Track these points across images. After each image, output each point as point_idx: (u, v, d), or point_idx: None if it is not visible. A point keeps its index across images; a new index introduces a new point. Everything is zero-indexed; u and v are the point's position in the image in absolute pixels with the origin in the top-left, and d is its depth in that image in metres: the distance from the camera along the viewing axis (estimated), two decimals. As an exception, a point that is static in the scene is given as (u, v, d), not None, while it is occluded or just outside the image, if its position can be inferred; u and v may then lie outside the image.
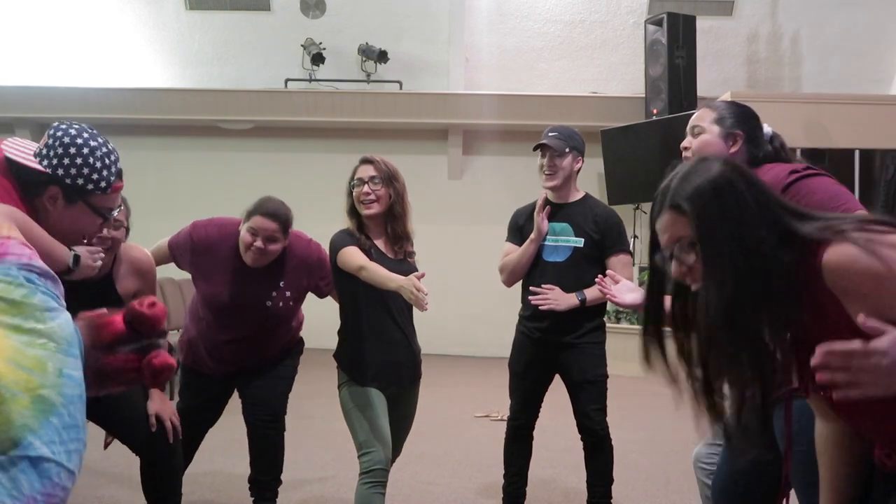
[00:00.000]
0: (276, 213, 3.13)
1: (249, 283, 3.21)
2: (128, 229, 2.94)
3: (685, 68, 8.84)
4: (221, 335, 3.28)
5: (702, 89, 8.92)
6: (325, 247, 3.12)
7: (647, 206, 9.40)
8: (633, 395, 7.00)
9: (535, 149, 3.49)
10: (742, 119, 2.28)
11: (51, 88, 9.50)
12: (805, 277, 1.33)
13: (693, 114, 2.41)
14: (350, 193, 3.03)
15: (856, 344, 1.23)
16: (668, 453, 5.00)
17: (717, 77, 9.66)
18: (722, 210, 1.40)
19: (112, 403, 2.87)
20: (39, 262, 1.50)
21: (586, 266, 3.42)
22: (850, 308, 1.28)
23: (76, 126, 2.06)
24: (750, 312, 1.35)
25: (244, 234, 3.15)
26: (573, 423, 3.52)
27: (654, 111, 8.92)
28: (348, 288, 2.98)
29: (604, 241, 3.43)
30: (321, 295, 3.44)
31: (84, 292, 2.23)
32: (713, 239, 1.40)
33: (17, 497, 1.33)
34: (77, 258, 1.94)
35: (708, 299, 1.39)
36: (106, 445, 3.04)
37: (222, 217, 3.35)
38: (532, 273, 3.48)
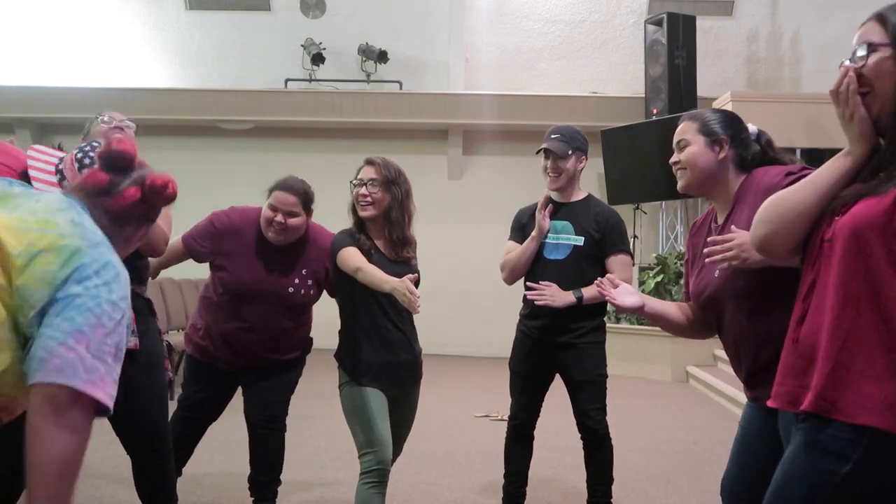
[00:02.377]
0: (294, 188, 3.18)
1: (273, 268, 3.22)
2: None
3: (685, 68, 8.84)
4: (241, 322, 3.23)
5: (702, 89, 8.93)
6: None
7: (647, 206, 9.44)
8: (633, 395, 7.00)
9: (538, 152, 3.49)
10: (726, 124, 2.29)
11: (51, 88, 9.50)
12: None
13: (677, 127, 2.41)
14: (353, 192, 3.04)
15: None
16: (668, 453, 5.00)
17: (717, 77, 9.67)
18: None
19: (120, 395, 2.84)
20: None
21: (586, 265, 3.42)
22: None
23: (96, 143, 2.11)
24: None
25: (265, 210, 3.18)
26: (573, 422, 3.51)
27: (654, 111, 8.92)
28: (348, 289, 2.98)
29: (604, 241, 3.44)
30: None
31: None
32: None
33: (60, 338, 1.43)
34: None
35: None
36: None
37: (241, 206, 3.37)
38: (533, 271, 3.48)
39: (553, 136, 3.46)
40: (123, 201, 1.70)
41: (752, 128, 2.32)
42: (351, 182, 3.04)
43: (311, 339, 3.49)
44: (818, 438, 1.56)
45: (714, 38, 9.84)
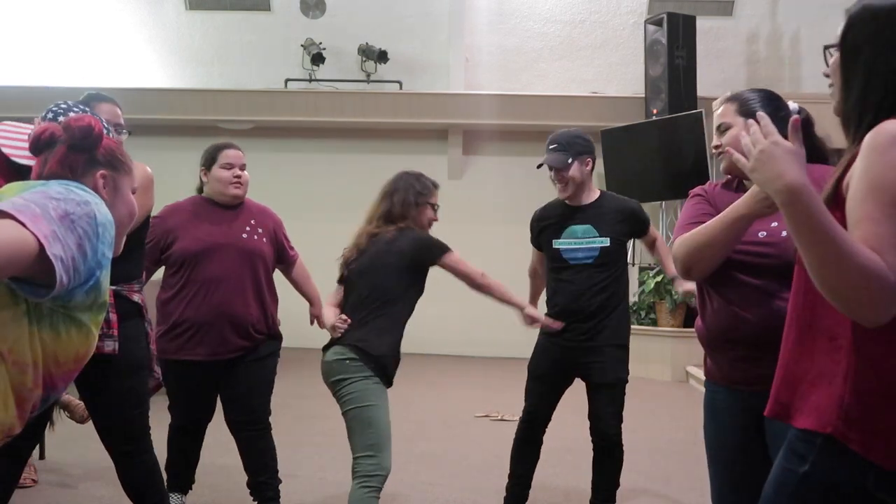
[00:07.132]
0: (235, 144, 3.59)
1: (221, 224, 3.40)
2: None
3: (685, 68, 8.84)
4: (206, 281, 3.31)
5: (702, 89, 8.91)
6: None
7: (647, 206, 9.40)
8: (633, 395, 6.98)
9: (539, 167, 3.47)
10: (765, 102, 2.24)
11: (51, 88, 9.47)
12: None
13: (710, 110, 2.38)
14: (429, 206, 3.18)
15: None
16: (668, 453, 5.00)
17: (717, 77, 9.66)
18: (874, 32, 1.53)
19: (94, 387, 2.79)
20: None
21: (613, 264, 3.46)
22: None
23: (65, 104, 2.09)
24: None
25: (220, 174, 3.42)
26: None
27: (654, 111, 8.92)
28: (410, 282, 3.07)
29: (632, 230, 3.57)
30: (287, 259, 3.60)
31: None
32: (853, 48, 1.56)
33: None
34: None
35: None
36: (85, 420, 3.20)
37: None
38: (559, 277, 3.48)
39: (551, 147, 3.45)
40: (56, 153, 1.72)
41: (792, 105, 2.24)
42: (433, 205, 3.22)
43: (280, 333, 3.53)
44: (788, 437, 1.57)
45: (714, 38, 9.83)
